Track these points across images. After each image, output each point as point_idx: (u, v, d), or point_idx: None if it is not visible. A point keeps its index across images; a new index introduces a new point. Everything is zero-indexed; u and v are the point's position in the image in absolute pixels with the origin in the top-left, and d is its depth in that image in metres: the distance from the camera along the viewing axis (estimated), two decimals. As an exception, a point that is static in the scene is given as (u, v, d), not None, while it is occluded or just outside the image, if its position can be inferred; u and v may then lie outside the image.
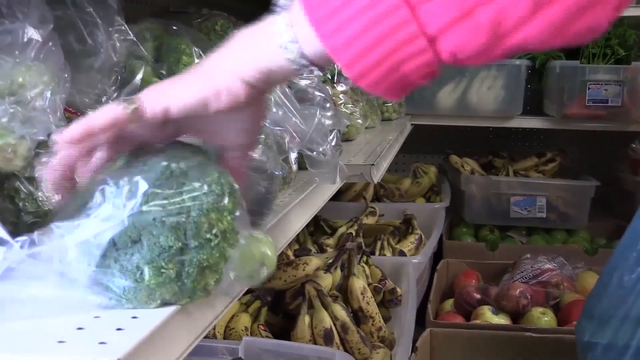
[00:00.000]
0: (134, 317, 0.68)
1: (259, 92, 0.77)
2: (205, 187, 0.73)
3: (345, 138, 2.19)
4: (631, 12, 3.22)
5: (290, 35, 0.71)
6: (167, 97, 0.76)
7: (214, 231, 0.73)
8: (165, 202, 0.71)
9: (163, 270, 0.70)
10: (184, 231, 0.71)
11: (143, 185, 0.71)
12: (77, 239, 0.70)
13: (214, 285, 0.74)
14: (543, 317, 2.59)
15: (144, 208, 0.71)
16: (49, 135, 0.87)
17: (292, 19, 0.71)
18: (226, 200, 0.74)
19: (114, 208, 0.71)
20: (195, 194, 0.73)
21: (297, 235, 2.49)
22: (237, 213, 0.75)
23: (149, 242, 0.70)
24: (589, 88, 3.31)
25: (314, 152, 1.24)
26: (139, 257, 0.70)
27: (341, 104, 2.23)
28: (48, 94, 0.88)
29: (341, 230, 2.68)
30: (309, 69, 0.74)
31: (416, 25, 0.64)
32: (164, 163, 0.74)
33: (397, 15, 0.64)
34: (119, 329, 0.65)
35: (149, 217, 0.70)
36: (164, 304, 0.72)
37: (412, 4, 0.63)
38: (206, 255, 0.72)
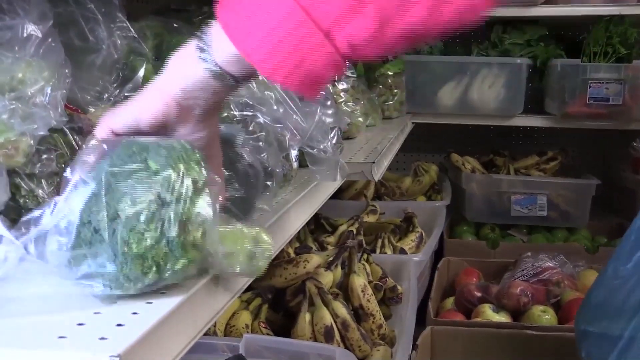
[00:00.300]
0: (135, 313, 0.69)
1: (187, 109, 0.84)
2: (164, 151, 0.76)
3: (346, 136, 2.19)
4: (632, 10, 3.22)
5: (206, 46, 0.81)
6: (110, 119, 0.86)
7: (185, 182, 0.74)
8: (131, 166, 0.74)
9: (146, 234, 0.71)
10: (156, 190, 0.73)
11: (106, 163, 0.74)
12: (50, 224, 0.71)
13: (202, 239, 0.74)
14: (544, 315, 2.59)
15: (113, 169, 0.73)
16: (49, 130, 0.88)
17: (210, 34, 0.82)
18: (191, 153, 0.78)
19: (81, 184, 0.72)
20: (160, 157, 0.75)
21: (298, 233, 2.50)
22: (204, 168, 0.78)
23: (123, 208, 0.71)
24: (590, 86, 3.30)
25: (315, 150, 1.24)
26: (119, 227, 0.70)
27: (342, 102, 2.23)
28: (48, 90, 0.88)
29: (342, 228, 2.68)
30: (227, 81, 0.82)
31: (312, 24, 0.75)
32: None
33: (294, 17, 0.75)
34: (119, 325, 0.65)
35: (119, 182, 0.72)
36: (159, 275, 0.72)
37: (305, 7, 0.75)
38: (182, 209, 0.73)
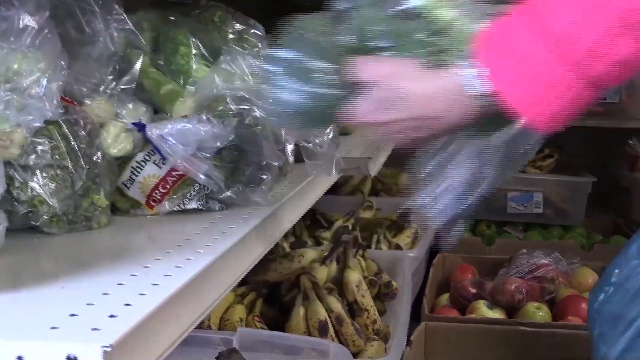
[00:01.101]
0: (127, 304, 0.68)
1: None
2: None
3: (343, 132, 2.18)
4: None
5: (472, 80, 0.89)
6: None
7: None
8: None
9: None
10: None
11: None
12: None
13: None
14: (538, 312, 2.59)
15: None
16: (44, 122, 0.88)
17: (473, 68, 0.89)
18: None
19: None
20: None
21: (294, 228, 2.50)
22: None
23: None
24: (587, 84, 3.30)
25: (311, 144, 1.24)
26: None
27: (339, 97, 2.22)
28: (44, 81, 0.88)
29: (338, 223, 2.68)
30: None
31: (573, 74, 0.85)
32: None
33: (559, 70, 0.85)
34: (112, 316, 0.65)
35: None
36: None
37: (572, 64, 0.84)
38: None
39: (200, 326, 1.72)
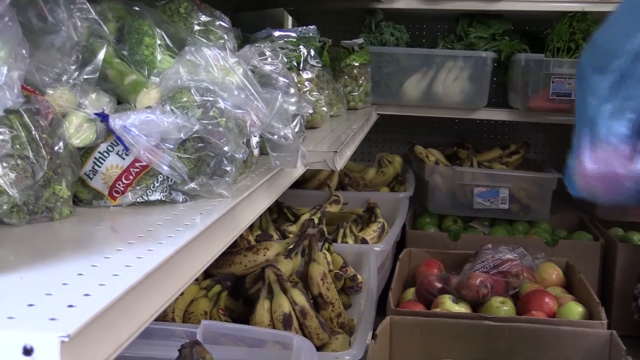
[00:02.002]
0: (87, 295, 0.68)
1: None
2: None
3: (310, 126, 2.19)
4: (595, 7, 3.26)
5: None
6: None
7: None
8: None
9: None
10: None
11: None
12: None
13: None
14: (502, 307, 2.61)
15: None
16: (4, 111, 0.87)
17: None
18: None
19: None
20: None
21: (260, 221, 2.50)
22: None
23: None
24: (553, 81, 3.34)
25: (275, 136, 1.24)
26: None
27: (306, 91, 2.23)
28: (4, 69, 0.87)
29: (304, 217, 2.68)
30: None
31: None
32: None
33: None
34: (70, 306, 0.65)
35: None
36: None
37: None
38: None
39: (164, 319, 1.72)
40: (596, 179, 1.58)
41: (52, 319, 0.61)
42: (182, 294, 1.80)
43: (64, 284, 0.71)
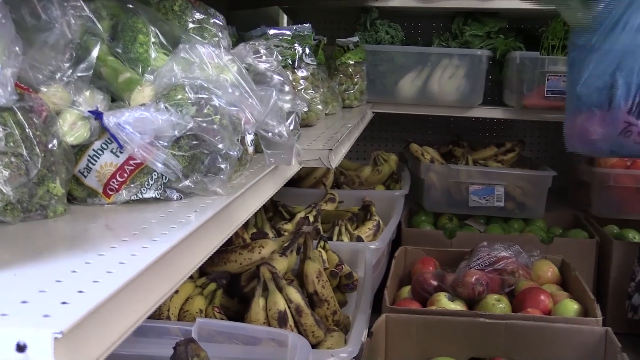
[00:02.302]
0: (81, 292, 0.68)
1: None
2: None
3: (305, 124, 2.19)
4: (590, 4, 3.26)
5: None
6: None
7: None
8: None
9: None
10: None
11: None
12: None
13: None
14: (498, 304, 2.62)
15: None
16: (-3, 108, 0.86)
17: None
18: None
19: None
20: None
21: (255, 219, 2.50)
22: None
23: None
24: (548, 79, 3.35)
25: (270, 134, 1.24)
26: None
27: (301, 89, 2.23)
28: (-3, 67, 0.86)
29: (299, 215, 2.68)
30: None
31: None
32: None
33: None
34: (64, 303, 0.65)
35: None
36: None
37: None
38: None
39: (159, 317, 1.72)
40: (577, 139, 1.93)
41: (46, 316, 0.61)
42: (177, 292, 1.81)
43: (58, 281, 0.71)
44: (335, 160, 1.78)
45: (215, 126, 1.10)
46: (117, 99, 1.13)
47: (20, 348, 0.58)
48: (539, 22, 3.80)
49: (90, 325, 0.64)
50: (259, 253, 1.88)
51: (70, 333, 0.60)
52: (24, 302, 0.65)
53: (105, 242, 0.87)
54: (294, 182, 3.25)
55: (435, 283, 2.75)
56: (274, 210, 2.77)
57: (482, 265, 2.79)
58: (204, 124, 1.09)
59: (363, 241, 2.65)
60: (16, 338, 0.58)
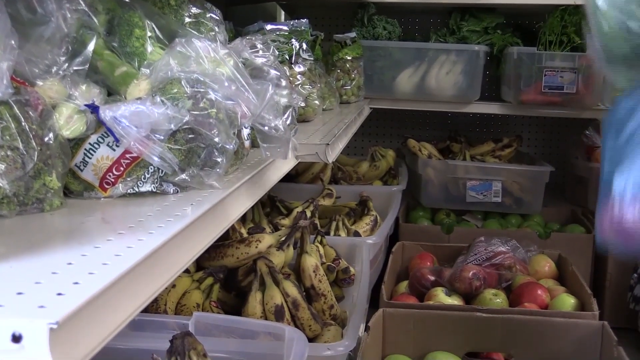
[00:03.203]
0: (76, 283, 0.68)
1: None
2: None
3: (302, 119, 2.19)
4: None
5: None
6: None
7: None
8: None
9: None
10: None
11: None
12: None
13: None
14: (495, 299, 2.62)
15: None
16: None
17: None
18: None
19: None
20: None
21: (252, 214, 2.50)
22: None
23: None
24: (545, 74, 3.35)
25: (266, 127, 1.24)
26: None
27: (298, 84, 2.23)
28: (-7, 60, 0.87)
29: (297, 210, 2.69)
30: None
31: None
32: None
33: None
34: (59, 294, 0.65)
35: None
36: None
37: None
38: None
39: (156, 311, 1.72)
40: (613, 234, 1.62)
41: (41, 307, 0.62)
42: (174, 286, 1.81)
43: (54, 272, 0.71)
44: (332, 155, 1.79)
45: (211, 120, 1.11)
46: (113, 92, 1.13)
47: (16, 338, 0.58)
48: (536, 18, 3.81)
49: (86, 316, 0.64)
50: (256, 247, 1.88)
51: (65, 323, 0.60)
52: (19, 293, 0.65)
53: (102, 235, 0.87)
54: (292, 177, 3.25)
55: (432, 278, 2.76)
56: (271, 205, 2.77)
57: (479, 260, 2.80)
58: (200, 118, 1.09)
59: (360, 236, 2.65)
60: (12, 328, 0.58)
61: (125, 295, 0.73)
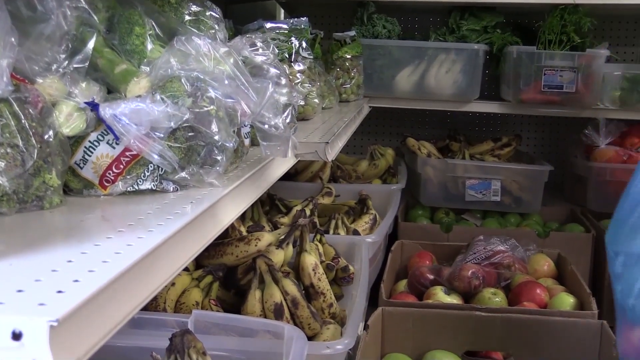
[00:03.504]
0: (76, 281, 0.68)
1: None
2: None
3: (302, 117, 2.19)
4: (586, 0, 3.26)
5: None
6: None
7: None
8: None
9: None
10: None
11: None
12: None
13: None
14: (494, 298, 2.62)
15: None
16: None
17: None
18: None
19: None
20: None
21: (252, 213, 2.50)
22: None
23: None
24: (544, 74, 3.35)
25: (266, 125, 1.24)
26: None
27: (298, 83, 2.23)
28: (-7, 58, 0.86)
29: (296, 209, 2.69)
30: None
31: None
32: None
33: None
34: (59, 292, 0.65)
35: None
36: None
37: None
38: None
39: (155, 309, 1.72)
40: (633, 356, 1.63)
41: (41, 304, 0.62)
42: (173, 284, 1.81)
43: (54, 270, 0.71)
44: (332, 154, 1.79)
45: (211, 118, 1.11)
46: (113, 90, 1.13)
47: (16, 336, 0.59)
48: (535, 17, 3.80)
49: (86, 314, 0.64)
50: (256, 245, 1.88)
51: (65, 321, 0.60)
52: (19, 291, 0.65)
53: (101, 233, 0.87)
54: (291, 176, 3.25)
55: (431, 277, 2.76)
56: (270, 204, 2.77)
57: (478, 259, 2.80)
58: (200, 116, 1.09)
59: (359, 234, 2.65)
60: (12, 326, 0.59)
61: (126, 293, 0.73)
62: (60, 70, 1.07)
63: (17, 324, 0.59)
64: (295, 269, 2.01)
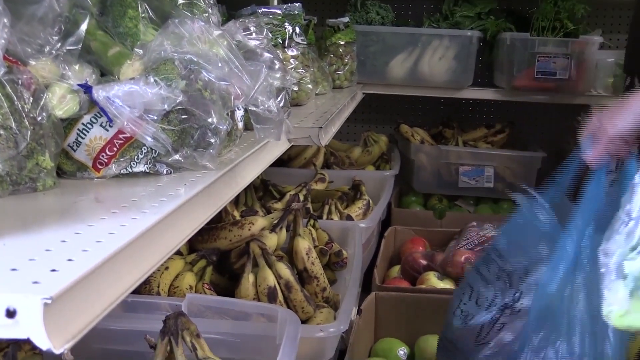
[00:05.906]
0: (70, 260, 0.68)
1: None
2: None
3: (295, 103, 2.19)
4: (580, -14, 3.27)
5: None
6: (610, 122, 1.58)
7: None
8: None
9: None
10: None
11: None
12: None
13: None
14: (486, 283, 2.63)
15: None
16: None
17: None
18: None
19: None
20: None
21: (245, 198, 2.50)
22: None
23: None
24: (538, 60, 3.35)
25: (260, 108, 1.24)
26: None
27: (291, 68, 2.23)
28: (-15, 38, 0.86)
29: (290, 194, 2.69)
30: None
31: None
32: None
33: None
34: (53, 270, 0.65)
35: None
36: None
37: None
38: None
39: (149, 292, 1.72)
40: None
41: (35, 282, 0.62)
42: (167, 268, 1.81)
43: (47, 250, 0.71)
44: (325, 139, 1.79)
45: (205, 100, 1.11)
46: (106, 73, 1.13)
47: (10, 314, 0.59)
48: (529, 3, 3.80)
49: (80, 292, 0.64)
50: (249, 230, 1.89)
51: (59, 299, 0.60)
52: (13, 269, 0.65)
53: (95, 214, 0.87)
54: (284, 162, 3.25)
55: (424, 262, 2.77)
56: (264, 190, 2.77)
57: (471, 244, 2.81)
58: (194, 98, 1.09)
59: (353, 220, 2.66)
60: (6, 304, 0.59)
61: (119, 272, 0.73)
62: (53, 52, 1.07)
63: (11, 302, 0.59)
64: (289, 253, 2.01)
